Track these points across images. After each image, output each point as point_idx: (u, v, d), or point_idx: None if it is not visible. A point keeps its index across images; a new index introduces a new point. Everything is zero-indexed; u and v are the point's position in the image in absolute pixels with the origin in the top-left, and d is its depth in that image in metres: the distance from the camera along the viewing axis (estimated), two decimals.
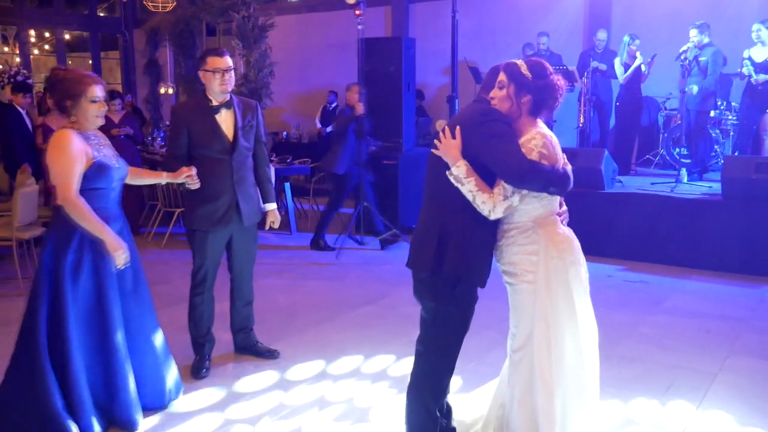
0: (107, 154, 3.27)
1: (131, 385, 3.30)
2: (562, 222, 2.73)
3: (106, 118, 7.85)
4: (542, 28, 9.35)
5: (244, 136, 4.05)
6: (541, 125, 2.71)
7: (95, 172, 3.16)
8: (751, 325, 4.87)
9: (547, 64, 2.70)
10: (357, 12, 6.91)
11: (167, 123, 10.69)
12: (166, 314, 5.14)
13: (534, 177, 2.55)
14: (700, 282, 6.00)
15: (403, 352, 4.30)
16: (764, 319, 5.01)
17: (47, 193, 6.71)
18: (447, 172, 2.60)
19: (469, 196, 2.58)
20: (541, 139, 2.61)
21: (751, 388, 3.85)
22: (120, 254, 3.15)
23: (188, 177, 3.73)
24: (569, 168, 2.68)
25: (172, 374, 3.62)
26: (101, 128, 3.40)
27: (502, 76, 2.67)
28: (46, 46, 16.64)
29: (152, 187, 7.86)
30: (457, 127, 2.64)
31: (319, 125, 12.01)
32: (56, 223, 3.17)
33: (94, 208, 3.14)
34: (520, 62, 2.67)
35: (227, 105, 4.01)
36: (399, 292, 5.58)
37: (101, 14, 15.97)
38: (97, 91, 3.21)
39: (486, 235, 2.71)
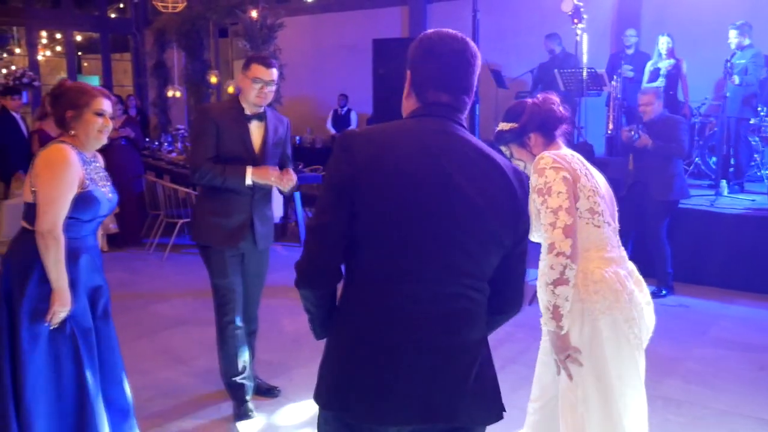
0: (101, 183, 2.83)
1: None
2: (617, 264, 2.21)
3: None
4: (567, 28, 8.79)
5: (272, 154, 3.62)
6: (561, 145, 2.38)
7: (81, 202, 2.70)
8: None
9: (521, 103, 2.44)
10: (576, 21, 6.42)
11: (178, 127, 10.25)
12: (162, 339, 4.72)
13: None
14: (746, 306, 5.45)
15: None
16: None
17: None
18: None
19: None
20: (554, 172, 2.19)
21: None
22: (61, 313, 2.67)
23: (277, 180, 3.51)
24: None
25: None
26: None
27: (505, 150, 2.44)
28: (58, 48, 16.33)
29: (154, 196, 7.45)
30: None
31: (332, 130, 11.55)
32: (25, 249, 2.71)
33: (66, 237, 2.69)
34: (498, 128, 2.45)
35: (260, 117, 3.58)
36: None
37: (112, 15, 15.62)
38: (104, 105, 2.76)
39: None
